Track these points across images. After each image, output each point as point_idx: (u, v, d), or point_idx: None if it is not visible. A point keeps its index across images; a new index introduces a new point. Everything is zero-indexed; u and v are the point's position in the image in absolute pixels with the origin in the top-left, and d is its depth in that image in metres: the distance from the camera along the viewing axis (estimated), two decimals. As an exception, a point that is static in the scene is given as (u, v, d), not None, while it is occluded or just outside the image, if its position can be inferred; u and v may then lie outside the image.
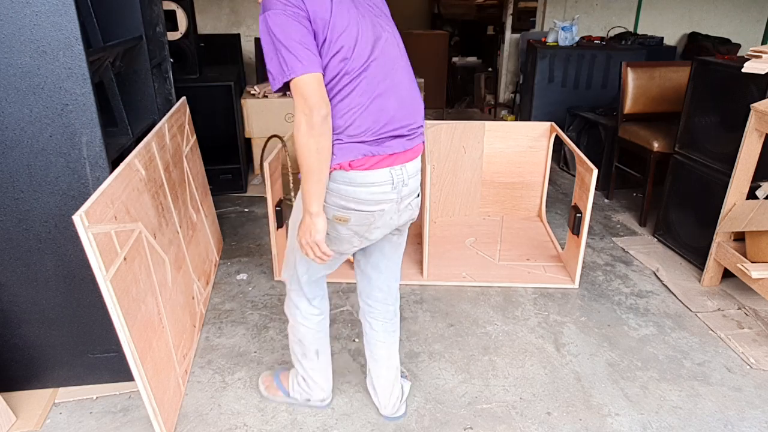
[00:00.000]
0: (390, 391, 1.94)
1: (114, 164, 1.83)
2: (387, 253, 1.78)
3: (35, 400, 2.01)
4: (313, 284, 1.79)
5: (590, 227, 3.47)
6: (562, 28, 4.79)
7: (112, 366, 2.04)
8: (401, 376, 2.06)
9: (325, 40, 1.36)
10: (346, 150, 1.44)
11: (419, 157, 1.59)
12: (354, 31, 1.39)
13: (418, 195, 1.64)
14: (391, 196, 1.52)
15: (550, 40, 4.91)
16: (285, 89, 1.38)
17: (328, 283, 2.81)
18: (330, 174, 1.45)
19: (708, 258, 2.77)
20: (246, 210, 3.78)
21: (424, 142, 1.60)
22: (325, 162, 1.40)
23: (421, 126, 1.57)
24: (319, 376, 1.95)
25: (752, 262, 2.49)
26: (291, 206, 3.10)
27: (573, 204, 2.83)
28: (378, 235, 1.60)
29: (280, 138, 2.92)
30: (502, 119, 6.03)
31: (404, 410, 1.99)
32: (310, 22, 1.34)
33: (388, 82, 1.46)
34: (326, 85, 1.38)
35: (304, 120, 1.34)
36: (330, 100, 1.39)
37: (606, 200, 3.95)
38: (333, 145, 1.41)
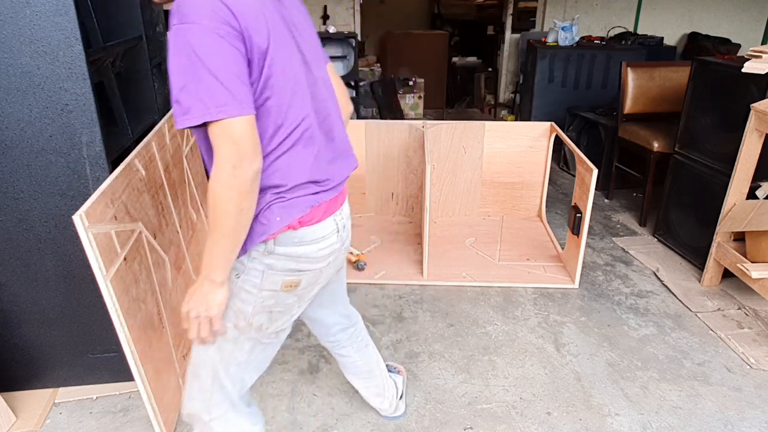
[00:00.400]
0: (383, 394, 1.88)
1: (114, 164, 1.83)
2: (328, 288, 1.56)
3: (35, 400, 2.01)
4: (246, 392, 1.42)
5: (590, 227, 3.47)
6: (562, 28, 4.79)
7: (112, 366, 2.04)
8: (391, 371, 1.99)
9: (261, 75, 1.10)
10: (291, 207, 1.20)
11: (347, 197, 1.41)
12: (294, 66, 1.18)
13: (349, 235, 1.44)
14: (337, 245, 1.33)
15: (550, 40, 4.91)
16: (197, 128, 1.06)
17: (328, 283, 2.83)
18: (276, 237, 1.20)
19: (708, 258, 2.77)
20: (246, 210, 3.77)
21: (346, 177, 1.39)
22: (244, 226, 1.13)
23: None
24: None
25: (752, 262, 2.49)
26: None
27: (573, 204, 2.83)
28: (316, 292, 1.39)
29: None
30: (502, 119, 6.03)
31: (404, 409, 1.98)
32: (245, 47, 1.06)
33: (326, 126, 1.28)
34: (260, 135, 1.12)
35: (231, 172, 1.04)
36: (267, 153, 1.15)
37: (606, 200, 3.95)
38: (274, 203, 1.18)
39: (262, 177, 1.14)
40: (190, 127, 1.04)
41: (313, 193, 1.23)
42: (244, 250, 1.20)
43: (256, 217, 1.16)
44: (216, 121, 1.02)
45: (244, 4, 1.05)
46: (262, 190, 1.16)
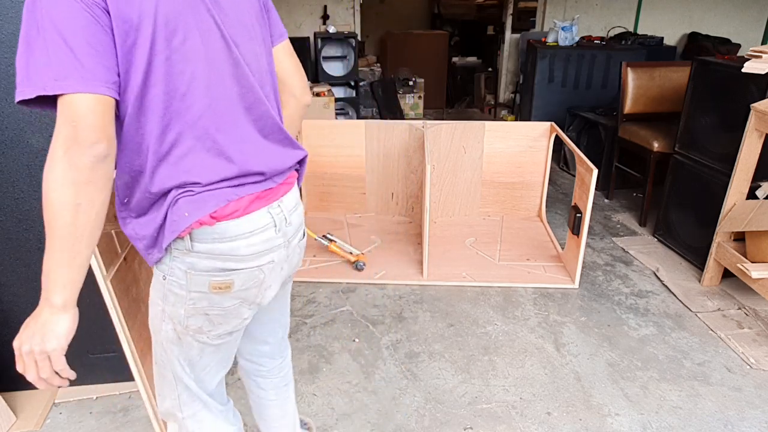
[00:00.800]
0: None
1: (114, 164, 1.83)
2: (277, 302, 1.40)
3: (35, 400, 2.01)
4: (217, 390, 1.34)
5: (590, 227, 3.47)
6: (562, 28, 4.79)
7: (112, 366, 2.04)
8: (302, 428, 1.80)
9: (134, 56, 0.93)
10: (202, 201, 1.04)
11: (295, 188, 1.25)
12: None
13: (304, 234, 1.31)
14: (278, 241, 1.16)
15: (550, 40, 4.91)
16: (42, 104, 0.87)
17: (327, 282, 2.84)
18: (191, 234, 1.05)
19: (708, 258, 2.77)
20: (246, 210, 3.78)
21: (297, 170, 1.26)
22: (85, 229, 0.90)
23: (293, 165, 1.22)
24: None
25: (752, 262, 2.49)
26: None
27: (573, 204, 2.83)
28: (271, 295, 1.22)
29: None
30: (502, 119, 6.03)
31: None
32: (108, 17, 0.89)
33: (255, 113, 1.12)
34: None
35: (62, 157, 0.86)
36: (160, 156, 1.00)
37: (606, 200, 3.95)
38: (181, 198, 1.02)
39: (160, 180, 1.00)
40: (31, 105, 0.87)
41: (232, 186, 1.08)
42: (160, 249, 1.07)
43: (165, 214, 1.03)
44: (56, 96, 0.85)
45: None
46: (167, 191, 1.02)
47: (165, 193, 1.02)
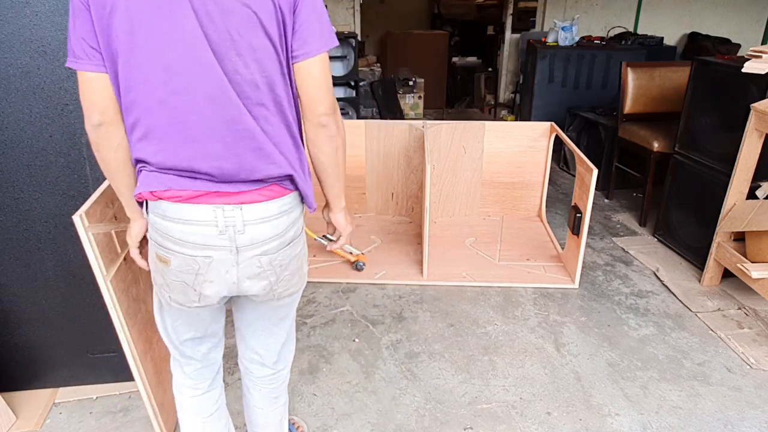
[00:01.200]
0: None
1: (114, 164, 1.83)
2: (264, 314, 1.42)
3: (35, 400, 2.01)
4: (185, 346, 1.42)
5: (590, 227, 3.46)
6: (562, 28, 4.79)
7: (112, 366, 2.04)
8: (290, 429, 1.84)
9: (99, 41, 1.09)
10: (151, 178, 1.18)
11: (271, 204, 1.21)
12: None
13: (279, 252, 1.25)
14: (220, 242, 1.18)
15: (550, 40, 4.91)
16: None
17: (327, 282, 2.83)
18: (146, 202, 1.21)
19: (708, 258, 2.77)
20: (246, 210, 3.77)
21: (278, 183, 1.22)
22: (108, 174, 1.25)
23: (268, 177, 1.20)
24: None
25: (752, 262, 2.49)
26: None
27: (573, 204, 2.83)
28: (212, 292, 1.24)
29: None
30: (502, 119, 6.03)
31: None
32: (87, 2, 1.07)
33: (218, 119, 1.14)
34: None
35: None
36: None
37: (606, 200, 3.95)
38: (141, 170, 1.20)
39: (132, 150, 1.19)
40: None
41: (180, 176, 1.16)
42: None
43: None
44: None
45: None
46: (135, 161, 1.21)
47: (135, 163, 1.21)
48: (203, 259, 1.20)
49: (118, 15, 1.04)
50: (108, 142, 1.18)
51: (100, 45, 1.08)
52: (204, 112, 1.11)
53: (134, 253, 1.38)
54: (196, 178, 1.17)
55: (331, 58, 5.02)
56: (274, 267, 1.26)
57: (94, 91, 1.12)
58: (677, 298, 2.73)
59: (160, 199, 1.18)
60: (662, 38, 5.01)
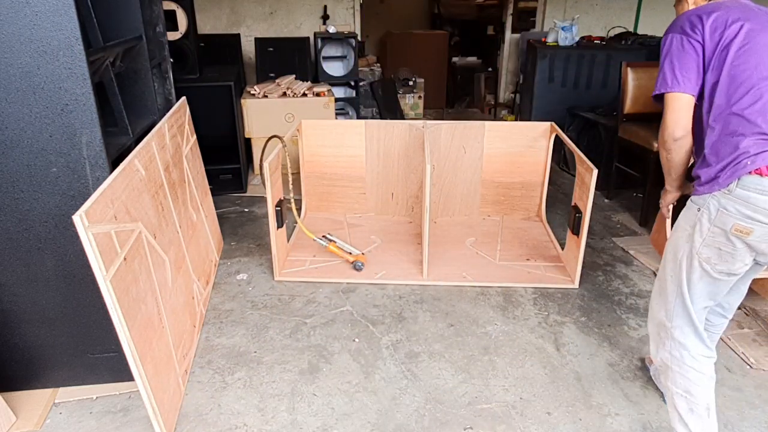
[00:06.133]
0: None
1: (114, 164, 1.83)
2: (746, 277, 1.75)
3: (35, 400, 2.01)
4: (701, 317, 1.66)
5: (590, 227, 3.46)
6: (562, 28, 4.79)
7: (112, 366, 2.04)
8: None
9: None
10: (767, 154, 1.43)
11: None
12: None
13: None
14: None
15: (550, 40, 4.91)
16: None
17: (327, 282, 2.84)
18: (739, 180, 1.45)
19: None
20: (246, 210, 3.78)
21: None
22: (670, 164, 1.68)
23: None
24: None
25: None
26: (290, 207, 3.12)
27: (573, 204, 2.83)
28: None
29: (280, 138, 2.92)
30: (502, 119, 6.03)
31: None
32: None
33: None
34: None
35: (660, 134, 1.65)
36: None
37: (606, 200, 3.95)
38: (755, 148, 1.44)
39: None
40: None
41: None
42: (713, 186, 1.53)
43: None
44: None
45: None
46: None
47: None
48: None
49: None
50: (683, 151, 1.65)
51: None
52: None
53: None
54: None
55: (332, 58, 5.02)
56: None
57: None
58: (677, 298, 2.73)
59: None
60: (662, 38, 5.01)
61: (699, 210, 1.56)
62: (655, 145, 3.36)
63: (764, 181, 1.42)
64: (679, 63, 1.56)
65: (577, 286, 2.81)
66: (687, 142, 1.62)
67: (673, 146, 1.61)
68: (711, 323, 1.83)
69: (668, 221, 1.94)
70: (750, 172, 1.44)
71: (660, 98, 1.66)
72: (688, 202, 1.63)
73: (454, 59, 7.18)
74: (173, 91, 2.81)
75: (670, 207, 1.96)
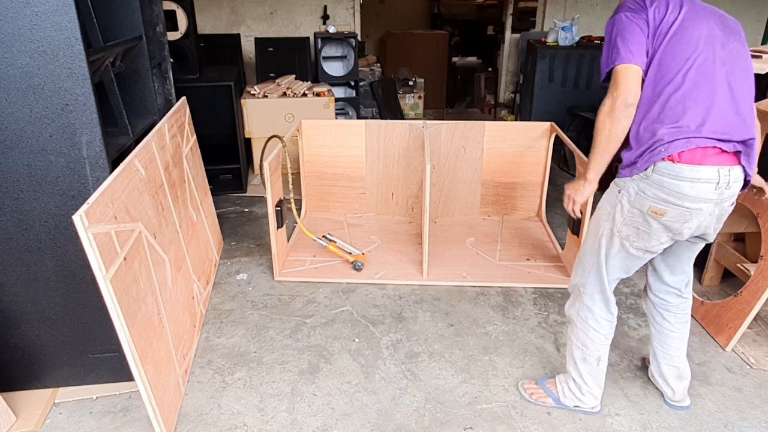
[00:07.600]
0: (683, 376, 2.00)
1: (114, 164, 1.83)
2: (683, 256, 1.84)
3: (35, 400, 2.01)
4: (612, 286, 1.82)
5: (590, 227, 3.46)
6: (562, 28, 4.79)
7: (112, 366, 2.04)
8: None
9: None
10: (679, 142, 1.51)
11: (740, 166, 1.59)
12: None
13: (733, 204, 1.65)
14: (712, 196, 1.55)
15: (550, 40, 4.91)
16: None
17: (327, 282, 2.84)
18: (655, 165, 1.56)
19: (708, 258, 2.77)
20: (246, 210, 3.78)
21: (745, 154, 1.58)
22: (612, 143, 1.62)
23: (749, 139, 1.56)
24: (593, 383, 1.94)
25: (752, 262, 2.49)
26: (290, 207, 3.12)
27: (573, 204, 2.83)
28: (687, 234, 1.64)
29: (280, 138, 2.92)
30: (502, 119, 6.03)
31: (689, 402, 2.04)
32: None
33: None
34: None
35: (608, 102, 1.57)
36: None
37: (606, 200, 3.94)
38: (669, 136, 1.52)
39: None
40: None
41: (700, 138, 1.53)
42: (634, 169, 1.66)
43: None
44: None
45: None
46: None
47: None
48: (696, 211, 1.56)
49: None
50: (627, 120, 1.61)
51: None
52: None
53: (577, 209, 1.82)
54: (708, 140, 1.52)
55: (332, 58, 5.02)
56: (726, 213, 1.65)
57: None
58: (677, 298, 2.73)
59: (681, 162, 1.53)
60: (662, 38, 5.00)
61: (620, 192, 1.68)
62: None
63: (676, 167, 1.53)
64: (631, 38, 1.57)
65: (577, 286, 2.81)
66: (633, 112, 1.61)
67: (624, 113, 1.57)
68: (671, 304, 1.94)
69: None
70: (663, 159, 1.54)
71: (609, 77, 1.64)
72: (611, 185, 1.73)
73: (454, 59, 7.18)
74: (173, 91, 2.81)
75: (589, 202, 2.03)
